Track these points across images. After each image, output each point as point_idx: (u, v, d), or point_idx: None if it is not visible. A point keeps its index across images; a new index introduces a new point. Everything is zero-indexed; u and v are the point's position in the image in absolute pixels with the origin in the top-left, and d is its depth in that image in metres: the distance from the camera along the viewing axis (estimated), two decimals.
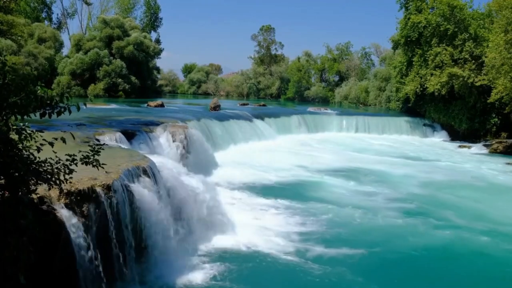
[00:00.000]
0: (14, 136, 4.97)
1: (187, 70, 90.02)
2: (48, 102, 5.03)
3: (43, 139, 5.19)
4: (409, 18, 35.21)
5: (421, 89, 34.81)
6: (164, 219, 9.10)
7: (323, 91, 67.63)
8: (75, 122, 15.91)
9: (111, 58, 50.26)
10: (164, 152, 15.86)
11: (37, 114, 5.13)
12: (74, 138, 6.26)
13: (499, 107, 31.24)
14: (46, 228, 6.11)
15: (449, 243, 11.43)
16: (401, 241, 11.48)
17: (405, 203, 15.01)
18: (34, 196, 5.59)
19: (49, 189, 5.69)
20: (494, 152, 29.19)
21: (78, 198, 7.03)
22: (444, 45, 33.63)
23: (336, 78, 69.91)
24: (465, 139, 33.55)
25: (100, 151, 5.79)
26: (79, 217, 6.89)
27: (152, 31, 70.89)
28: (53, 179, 5.34)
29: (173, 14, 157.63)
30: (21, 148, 5.04)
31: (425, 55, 34.55)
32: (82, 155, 5.67)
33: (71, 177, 5.64)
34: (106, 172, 7.73)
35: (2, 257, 4.69)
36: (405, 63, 37.78)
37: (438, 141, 34.76)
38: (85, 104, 5.55)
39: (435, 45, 33.91)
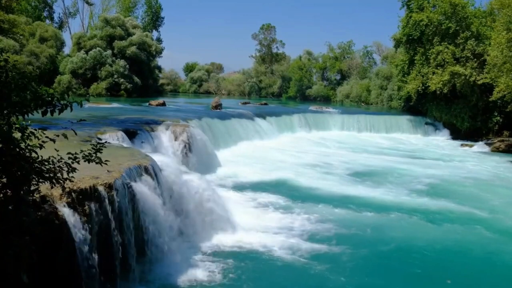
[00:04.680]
0: (17, 135, 4.96)
1: (189, 69, 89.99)
2: (49, 99, 5.02)
3: (46, 136, 5.18)
4: (410, 17, 35.14)
5: (423, 87, 34.73)
6: (166, 218, 9.11)
7: (325, 90, 67.55)
8: (76, 119, 15.88)
9: (113, 58, 50.30)
10: (165, 151, 15.87)
11: (39, 112, 5.13)
12: (76, 133, 6.24)
13: (501, 105, 31.18)
14: (48, 227, 6.11)
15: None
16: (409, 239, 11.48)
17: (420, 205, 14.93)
18: (36, 195, 5.58)
19: (52, 187, 5.68)
20: (496, 150, 29.18)
21: (80, 197, 7.02)
22: (446, 43, 33.57)
23: (338, 77, 69.78)
24: (467, 138, 33.47)
25: (102, 149, 5.78)
26: (81, 216, 6.88)
27: (154, 30, 70.88)
28: (56, 177, 5.34)
29: (173, 13, 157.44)
30: (23, 147, 5.03)
31: (427, 54, 34.48)
32: (84, 153, 5.66)
33: (73, 176, 5.62)
34: (108, 171, 7.73)
35: (4, 256, 4.69)
36: (407, 62, 37.71)
37: (440, 139, 34.72)
38: (88, 100, 5.52)
39: (437, 43, 33.84)
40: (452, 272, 9.75)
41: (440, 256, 10.54)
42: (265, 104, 44.60)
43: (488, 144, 30.39)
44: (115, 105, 31.96)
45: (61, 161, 5.49)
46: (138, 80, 51.11)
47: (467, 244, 11.39)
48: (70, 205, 6.76)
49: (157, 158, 10.76)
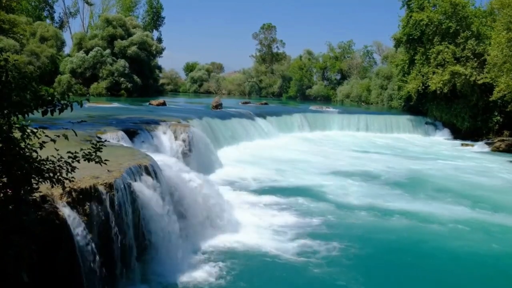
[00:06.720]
0: (17, 134, 4.96)
1: (189, 68, 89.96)
2: (50, 99, 5.02)
3: (46, 135, 5.18)
4: (411, 16, 35.12)
5: (423, 87, 34.72)
6: (166, 218, 9.10)
7: (325, 89, 67.60)
8: (77, 120, 15.92)
9: (114, 57, 50.32)
10: (166, 150, 15.86)
11: (39, 112, 5.12)
12: (76, 134, 6.24)
13: (502, 105, 31.15)
14: (48, 227, 6.11)
15: None
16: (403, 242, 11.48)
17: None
18: (36, 194, 5.58)
19: (52, 187, 5.68)
20: (496, 150, 29.19)
21: (80, 196, 7.02)
22: (446, 43, 33.56)
23: (338, 77, 69.83)
24: (467, 138, 33.45)
25: (102, 148, 5.77)
26: (81, 215, 6.88)
27: (154, 30, 70.82)
28: (56, 177, 5.33)
29: (173, 13, 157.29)
30: (23, 146, 5.03)
31: (427, 53, 34.46)
32: (84, 152, 5.66)
33: (73, 176, 5.62)
34: (108, 170, 7.73)
35: (4, 255, 4.69)
36: (407, 61, 37.71)
37: (441, 139, 34.70)
38: (88, 100, 5.51)
39: (437, 43, 33.83)
40: None
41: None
42: (265, 103, 44.64)
43: (489, 144, 30.37)
44: (115, 104, 31.99)
45: (61, 160, 5.49)
46: (138, 80, 51.14)
47: None
48: (70, 204, 6.76)
49: (158, 157, 10.76)
